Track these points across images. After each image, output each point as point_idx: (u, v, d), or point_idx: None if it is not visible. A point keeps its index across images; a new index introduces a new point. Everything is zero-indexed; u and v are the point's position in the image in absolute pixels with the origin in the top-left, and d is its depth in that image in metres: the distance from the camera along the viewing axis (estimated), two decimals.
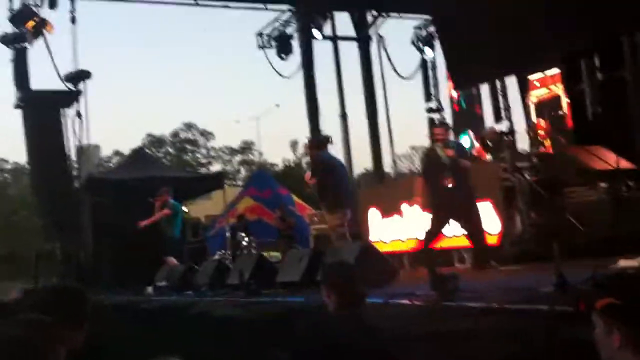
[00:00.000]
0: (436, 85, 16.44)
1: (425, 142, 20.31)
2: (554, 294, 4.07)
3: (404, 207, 10.65)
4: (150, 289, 10.38)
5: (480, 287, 5.25)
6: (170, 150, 52.03)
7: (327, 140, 9.23)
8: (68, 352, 2.24)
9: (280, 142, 65.24)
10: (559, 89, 12.74)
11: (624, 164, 9.38)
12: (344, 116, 18.85)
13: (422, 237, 7.27)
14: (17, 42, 14.56)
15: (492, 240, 8.85)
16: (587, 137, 11.06)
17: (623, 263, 5.25)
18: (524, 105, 13.49)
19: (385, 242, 10.94)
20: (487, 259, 7.67)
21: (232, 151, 53.73)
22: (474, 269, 8.05)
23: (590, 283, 3.89)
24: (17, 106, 15.10)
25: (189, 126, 52.83)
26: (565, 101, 12.52)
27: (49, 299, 2.91)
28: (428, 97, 16.87)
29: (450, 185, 7.14)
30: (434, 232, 7.17)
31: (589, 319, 2.57)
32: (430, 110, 16.19)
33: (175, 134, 52.43)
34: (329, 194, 8.44)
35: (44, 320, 2.10)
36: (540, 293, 4.22)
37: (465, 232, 7.60)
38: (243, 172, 52.46)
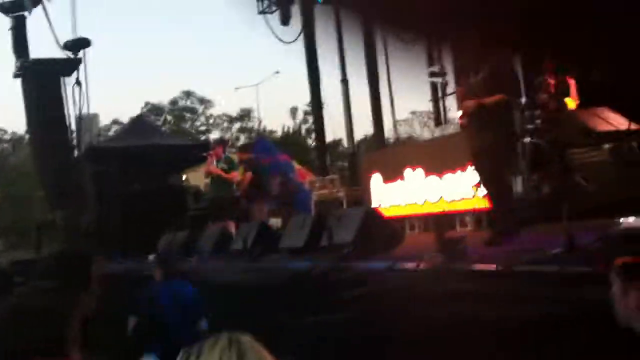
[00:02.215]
0: (439, 50, 16.21)
1: (428, 106, 20.17)
2: (563, 255, 4.02)
3: (407, 172, 10.60)
4: (152, 257, 10.35)
5: (486, 250, 5.21)
6: (169, 118, 51.83)
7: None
8: (82, 318, 2.21)
9: (279, 110, 64.93)
10: None
11: (633, 126, 9.25)
12: (345, 81, 18.68)
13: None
14: (16, 10, 14.35)
15: None
16: (592, 99, 10.92)
17: (627, 224, 5.19)
18: None
19: (385, 207, 10.90)
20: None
21: (231, 119, 53.52)
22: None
23: (600, 244, 3.84)
24: (16, 75, 14.95)
25: (188, 94, 52.56)
26: None
27: (54, 265, 2.88)
28: (431, 60, 16.62)
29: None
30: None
31: (605, 280, 2.53)
32: (432, 74, 15.92)
33: (174, 102, 52.18)
34: (258, 188, 12.00)
35: (53, 287, 2.06)
36: (549, 255, 4.16)
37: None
38: (242, 139, 52.32)
